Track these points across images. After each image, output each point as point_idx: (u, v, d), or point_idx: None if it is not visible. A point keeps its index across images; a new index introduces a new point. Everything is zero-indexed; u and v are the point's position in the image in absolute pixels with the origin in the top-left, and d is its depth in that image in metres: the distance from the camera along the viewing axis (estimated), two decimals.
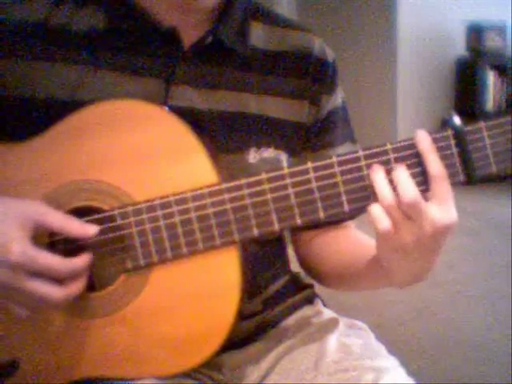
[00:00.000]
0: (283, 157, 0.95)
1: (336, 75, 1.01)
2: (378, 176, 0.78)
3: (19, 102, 0.89)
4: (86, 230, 0.81)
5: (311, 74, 0.98)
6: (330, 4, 4.89)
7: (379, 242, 0.83)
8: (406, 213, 0.77)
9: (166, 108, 0.88)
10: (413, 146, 0.79)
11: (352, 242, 1.00)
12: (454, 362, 2.18)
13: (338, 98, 1.02)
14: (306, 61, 0.98)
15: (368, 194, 0.80)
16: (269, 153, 0.94)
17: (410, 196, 0.76)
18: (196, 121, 0.88)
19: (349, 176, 0.80)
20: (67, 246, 0.83)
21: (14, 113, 0.90)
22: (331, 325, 1.00)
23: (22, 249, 0.77)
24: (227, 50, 0.93)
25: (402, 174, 0.78)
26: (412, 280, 0.85)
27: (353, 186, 0.80)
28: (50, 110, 0.88)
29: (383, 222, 0.78)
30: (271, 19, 0.99)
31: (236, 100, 0.93)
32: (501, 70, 4.33)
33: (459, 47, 4.40)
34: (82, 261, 0.81)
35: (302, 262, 1.06)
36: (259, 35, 0.97)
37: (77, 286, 0.81)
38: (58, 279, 0.79)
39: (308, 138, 0.99)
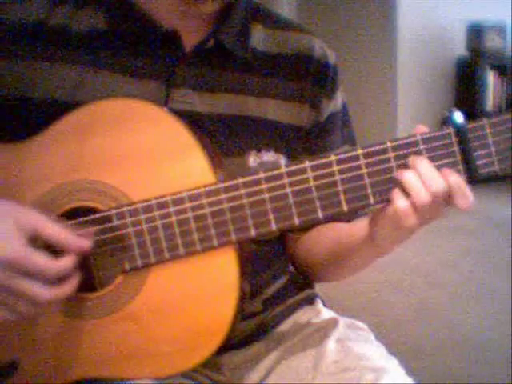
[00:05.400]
0: (283, 160, 0.95)
1: (337, 77, 1.01)
2: (410, 175, 0.78)
3: (19, 102, 0.89)
4: (80, 243, 0.81)
5: (312, 77, 0.97)
6: (330, 4, 4.89)
7: (389, 226, 0.82)
8: (432, 203, 0.78)
9: (165, 108, 0.88)
10: (412, 143, 0.79)
11: (334, 226, 0.99)
12: (454, 362, 2.18)
13: (338, 101, 1.02)
14: (306, 63, 0.97)
15: (366, 193, 0.80)
16: (269, 156, 0.94)
17: (441, 187, 0.77)
18: (196, 123, 0.88)
19: (347, 175, 0.79)
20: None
21: (13, 113, 0.90)
22: (331, 325, 1.00)
23: (15, 247, 0.77)
24: (228, 52, 0.92)
25: (427, 165, 0.78)
26: (395, 246, 0.87)
27: (351, 184, 0.79)
28: (49, 111, 0.88)
29: (412, 218, 0.78)
30: (272, 21, 0.99)
31: (236, 103, 0.93)
32: (501, 70, 4.32)
33: (459, 47, 4.39)
34: (68, 262, 0.80)
35: (294, 261, 1.05)
36: (260, 37, 0.96)
37: (66, 288, 0.80)
38: (48, 280, 0.79)
39: (307, 141, 0.99)
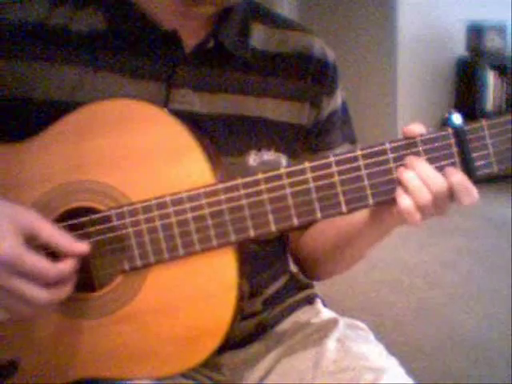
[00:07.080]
0: (283, 159, 0.95)
1: (336, 76, 1.01)
2: (410, 175, 0.79)
3: (19, 103, 0.89)
4: (76, 247, 0.80)
5: (311, 76, 0.98)
6: (330, 4, 4.89)
7: (395, 221, 0.84)
8: (434, 203, 0.78)
9: (165, 108, 0.88)
10: (411, 144, 0.79)
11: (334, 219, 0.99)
12: (454, 362, 2.18)
13: (338, 100, 1.02)
14: (306, 62, 0.98)
15: (366, 195, 0.80)
16: (269, 155, 0.94)
17: (442, 186, 0.78)
18: (196, 124, 0.88)
19: (346, 176, 0.79)
20: None
21: (13, 113, 0.90)
22: (331, 325, 1.00)
23: (11, 247, 0.76)
24: (228, 52, 0.92)
25: (425, 165, 0.78)
26: None
27: (350, 186, 0.79)
28: (49, 111, 0.88)
29: (416, 216, 0.79)
30: (271, 20, 0.99)
31: (236, 103, 0.93)
32: (501, 70, 4.32)
33: (459, 47, 4.39)
34: (67, 266, 0.79)
35: (297, 257, 1.05)
36: (259, 36, 0.96)
37: (63, 291, 0.80)
38: (44, 282, 0.78)
39: (308, 140, 0.99)
